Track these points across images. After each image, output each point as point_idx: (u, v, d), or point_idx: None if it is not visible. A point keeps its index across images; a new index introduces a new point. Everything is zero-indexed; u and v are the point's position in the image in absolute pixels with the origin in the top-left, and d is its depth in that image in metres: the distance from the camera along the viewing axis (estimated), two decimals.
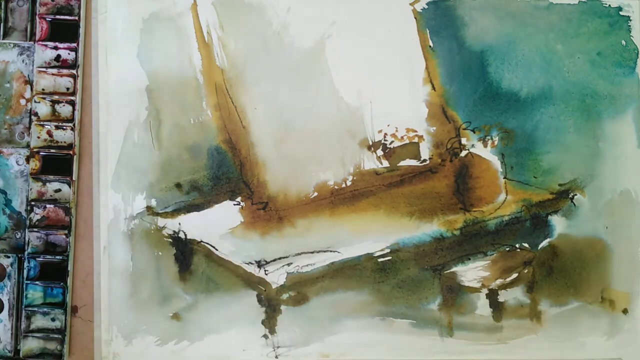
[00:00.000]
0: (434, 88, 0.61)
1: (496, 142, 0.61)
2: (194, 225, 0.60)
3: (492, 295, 0.61)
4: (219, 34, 0.60)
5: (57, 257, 0.59)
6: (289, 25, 0.60)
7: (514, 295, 0.62)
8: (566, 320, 0.62)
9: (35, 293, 0.60)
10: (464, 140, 0.61)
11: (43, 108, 0.59)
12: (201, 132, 0.60)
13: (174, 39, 0.60)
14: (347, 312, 0.61)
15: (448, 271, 0.61)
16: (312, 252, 0.61)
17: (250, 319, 0.61)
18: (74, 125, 0.59)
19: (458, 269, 0.61)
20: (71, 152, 0.59)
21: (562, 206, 0.62)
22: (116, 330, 0.60)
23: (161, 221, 0.60)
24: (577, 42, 0.61)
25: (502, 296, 0.61)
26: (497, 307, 0.62)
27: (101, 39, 0.60)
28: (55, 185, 0.60)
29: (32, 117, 0.59)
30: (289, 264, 0.61)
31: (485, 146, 0.61)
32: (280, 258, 0.61)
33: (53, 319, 0.60)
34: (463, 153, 0.61)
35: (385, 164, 0.61)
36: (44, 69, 0.59)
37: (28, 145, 0.60)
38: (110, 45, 0.60)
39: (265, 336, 0.61)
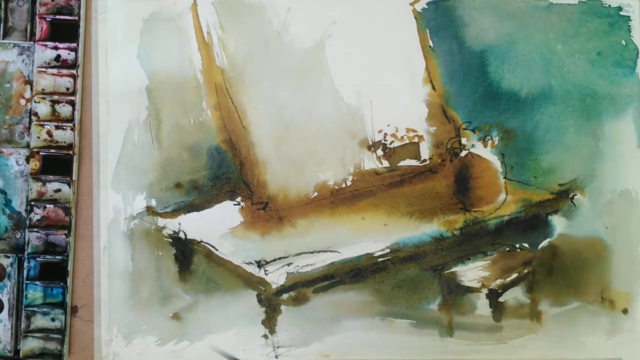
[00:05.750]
0: (434, 88, 0.61)
1: (496, 142, 0.61)
2: (194, 225, 0.60)
3: (492, 295, 0.61)
4: (219, 34, 0.60)
5: (57, 257, 0.59)
6: (289, 25, 0.60)
7: (514, 295, 0.62)
8: (566, 320, 0.62)
9: (35, 293, 0.60)
10: (464, 140, 0.61)
11: (43, 108, 0.59)
12: (201, 132, 0.60)
13: (174, 39, 0.60)
14: (347, 312, 0.61)
15: (448, 271, 0.61)
16: (312, 252, 0.61)
17: (250, 319, 0.61)
18: (73, 125, 0.59)
19: (458, 269, 0.61)
20: (71, 152, 0.59)
21: (562, 206, 0.62)
22: (116, 330, 0.60)
23: (161, 221, 0.60)
24: (577, 42, 0.61)
25: (502, 296, 0.61)
26: (497, 307, 0.62)
27: (101, 39, 0.60)
28: (55, 185, 0.60)
29: (32, 117, 0.59)
30: (289, 264, 0.61)
31: (485, 146, 0.61)
32: (280, 258, 0.61)
33: (53, 319, 0.60)
34: (463, 153, 0.61)
35: (385, 164, 0.61)
36: (43, 69, 0.59)
37: (28, 145, 0.60)
38: (110, 45, 0.60)
39: (265, 336, 0.61)
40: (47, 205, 0.60)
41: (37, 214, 0.59)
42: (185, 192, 0.60)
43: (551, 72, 0.61)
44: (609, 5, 0.62)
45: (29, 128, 0.59)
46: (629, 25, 0.62)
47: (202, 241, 0.60)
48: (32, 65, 0.60)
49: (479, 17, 0.61)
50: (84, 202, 0.60)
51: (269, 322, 0.61)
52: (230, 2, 0.60)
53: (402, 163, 0.61)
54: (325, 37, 0.61)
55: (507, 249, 0.61)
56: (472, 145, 0.61)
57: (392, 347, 0.61)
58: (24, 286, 0.59)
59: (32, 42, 0.59)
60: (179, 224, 0.60)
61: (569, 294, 0.62)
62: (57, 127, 0.59)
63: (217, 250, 0.60)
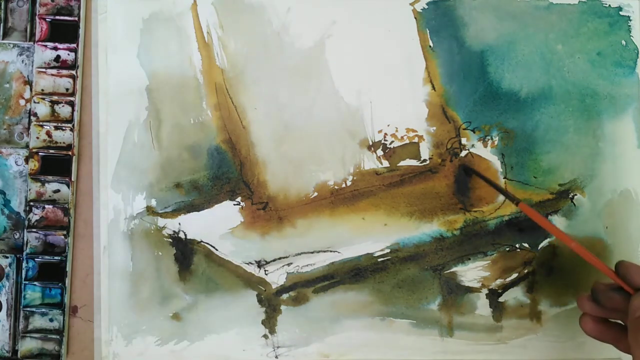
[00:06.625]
0: (434, 88, 0.61)
1: (496, 142, 0.61)
2: (194, 225, 0.60)
3: (492, 295, 0.61)
4: (219, 34, 0.60)
5: (56, 257, 0.59)
6: (289, 25, 0.60)
7: (514, 295, 0.62)
8: (566, 320, 0.62)
9: (33, 293, 0.60)
10: (464, 140, 0.61)
11: (42, 108, 0.59)
12: (201, 132, 0.60)
13: (174, 39, 0.60)
14: (347, 312, 0.61)
15: (448, 271, 0.61)
16: (312, 252, 0.61)
17: (250, 319, 0.60)
18: (73, 125, 0.59)
19: (458, 269, 0.61)
20: (70, 153, 0.59)
21: (562, 206, 0.62)
22: (116, 330, 0.60)
23: (161, 221, 0.60)
24: (577, 42, 0.61)
25: (502, 296, 0.61)
26: (497, 307, 0.62)
27: (101, 39, 0.60)
28: (54, 185, 0.59)
29: (32, 117, 0.59)
30: (289, 264, 0.61)
31: (485, 146, 0.61)
32: (280, 258, 0.61)
33: (51, 320, 0.60)
34: (463, 153, 0.61)
35: (385, 164, 0.61)
36: (43, 70, 0.59)
37: (27, 146, 0.59)
38: (110, 45, 0.60)
39: (265, 336, 0.60)
40: (46, 206, 0.59)
41: (35, 214, 0.59)
42: (185, 192, 0.60)
43: (551, 72, 0.61)
44: (609, 5, 0.62)
45: (28, 128, 0.59)
46: (629, 25, 0.62)
47: (202, 241, 0.60)
48: (32, 66, 0.59)
49: (479, 17, 0.61)
50: (84, 202, 0.60)
51: (269, 322, 0.60)
52: (230, 2, 0.60)
53: (402, 163, 0.61)
54: (325, 37, 0.61)
55: (507, 249, 0.61)
56: (472, 145, 0.61)
57: (392, 347, 0.61)
58: (23, 286, 0.59)
59: (31, 43, 0.59)
60: (179, 224, 0.60)
61: (569, 294, 0.62)
62: (56, 128, 0.59)
63: (217, 250, 0.60)
